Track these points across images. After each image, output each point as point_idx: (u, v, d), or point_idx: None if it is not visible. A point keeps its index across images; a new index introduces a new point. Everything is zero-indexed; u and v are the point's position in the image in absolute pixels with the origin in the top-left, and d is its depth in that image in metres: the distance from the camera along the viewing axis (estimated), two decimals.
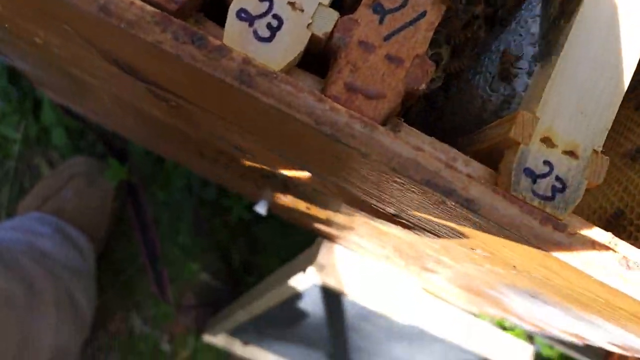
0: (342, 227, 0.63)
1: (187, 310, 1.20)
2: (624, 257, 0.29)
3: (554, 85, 0.31)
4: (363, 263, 0.77)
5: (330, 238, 0.76)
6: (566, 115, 0.31)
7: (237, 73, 0.27)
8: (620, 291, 0.29)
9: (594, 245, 0.29)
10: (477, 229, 0.32)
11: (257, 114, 0.31)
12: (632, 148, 0.44)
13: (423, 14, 0.30)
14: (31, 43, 0.42)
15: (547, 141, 0.31)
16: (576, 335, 0.52)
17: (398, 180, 0.29)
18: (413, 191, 0.30)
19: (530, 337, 1.33)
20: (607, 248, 0.29)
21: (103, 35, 0.30)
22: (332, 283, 0.76)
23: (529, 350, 0.83)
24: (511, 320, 0.69)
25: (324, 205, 0.55)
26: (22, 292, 0.84)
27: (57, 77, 0.54)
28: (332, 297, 0.83)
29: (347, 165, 0.32)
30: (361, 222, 0.53)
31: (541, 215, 0.29)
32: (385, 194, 0.35)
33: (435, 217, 0.34)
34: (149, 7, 0.28)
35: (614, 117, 0.31)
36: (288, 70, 0.30)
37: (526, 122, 0.31)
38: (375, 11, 0.30)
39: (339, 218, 0.58)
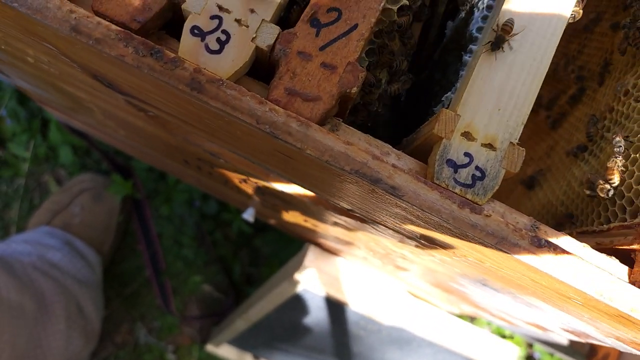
0: (321, 232, 0.67)
1: (191, 321, 1.23)
2: (535, 235, 0.33)
3: (473, 85, 0.35)
4: (350, 268, 0.80)
5: (317, 244, 0.80)
6: (485, 112, 0.35)
7: (189, 81, 0.32)
8: (533, 266, 0.33)
9: (507, 225, 0.33)
10: (412, 217, 0.35)
11: (211, 118, 0.35)
12: (574, 146, 0.47)
13: (355, 27, 0.35)
14: (25, 62, 0.47)
15: (467, 135, 0.35)
16: (536, 325, 0.55)
17: (334, 171, 0.33)
18: (349, 182, 0.34)
19: (529, 345, 1.34)
20: (520, 228, 0.33)
21: (78, 51, 0.35)
22: (321, 288, 0.79)
23: (515, 351, 0.85)
24: (484, 317, 0.72)
25: (299, 209, 0.59)
26: (34, 304, 0.89)
27: (53, 93, 0.59)
28: (323, 303, 0.86)
29: (294, 163, 0.37)
30: (332, 224, 0.56)
31: (459, 200, 0.33)
32: (333, 189, 0.39)
33: (376, 208, 0.38)
34: (114, 26, 0.32)
35: (528, 113, 0.35)
36: (237, 78, 0.34)
37: (448, 119, 0.34)
38: (312, 25, 0.35)
39: (315, 222, 0.62)
